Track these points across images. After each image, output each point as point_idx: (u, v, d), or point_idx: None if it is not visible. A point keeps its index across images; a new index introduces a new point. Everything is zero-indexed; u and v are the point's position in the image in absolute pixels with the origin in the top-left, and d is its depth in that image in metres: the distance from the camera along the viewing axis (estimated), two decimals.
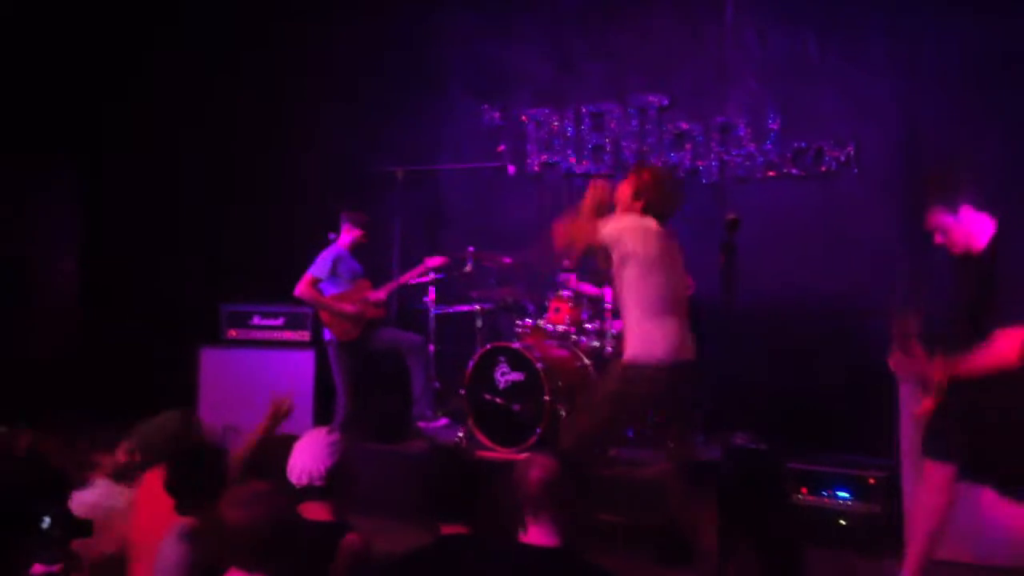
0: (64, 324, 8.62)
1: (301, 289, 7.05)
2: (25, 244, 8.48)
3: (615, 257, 4.70)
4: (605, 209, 4.83)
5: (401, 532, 3.60)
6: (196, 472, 3.65)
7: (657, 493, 5.00)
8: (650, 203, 4.83)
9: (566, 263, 7.00)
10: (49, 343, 8.48)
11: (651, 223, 4.78)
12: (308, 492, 3.63)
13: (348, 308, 7.08)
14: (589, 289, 7.00)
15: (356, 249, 7.30)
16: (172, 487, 3.62)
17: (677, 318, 4.79)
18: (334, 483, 3.65)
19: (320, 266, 7.12)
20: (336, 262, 7.14)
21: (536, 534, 3.15)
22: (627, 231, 4.72)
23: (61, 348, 8.49)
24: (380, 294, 7.16)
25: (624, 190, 4.89)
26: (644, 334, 4.69)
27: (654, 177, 4.91)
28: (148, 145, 8.86)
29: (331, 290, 7.13)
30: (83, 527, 3.19)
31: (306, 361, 7.71)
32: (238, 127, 8.86)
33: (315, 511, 3.62)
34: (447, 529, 3.41)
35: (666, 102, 7.76)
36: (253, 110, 8.88)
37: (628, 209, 4.85)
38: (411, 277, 7.15)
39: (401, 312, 7.68)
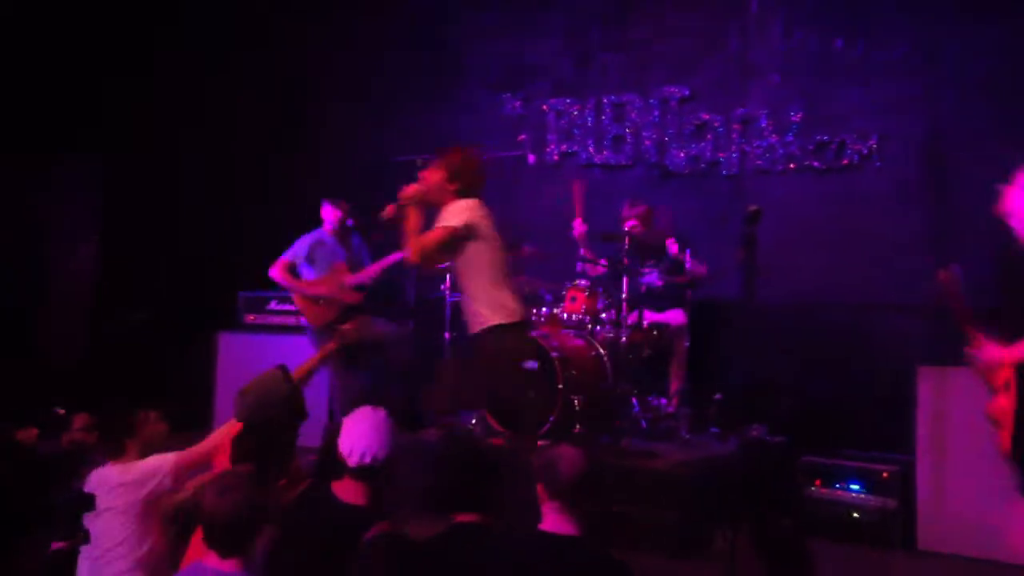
0: (81, 312, 8.68)
1: (274, 271, 6.98)
2: (42, 236, 8.53)
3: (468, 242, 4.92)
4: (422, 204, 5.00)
5: (416, 520, 3.56)
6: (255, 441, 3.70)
7: (670, 484, 5.01)
8: (466, 184, 5.01)
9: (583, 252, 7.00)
10: (68, 331, 8.53)
11: (477, 202, 4.97)
12: (359, 472, 3.56)
13: (320, 291, 6.98)
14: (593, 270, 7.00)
15: (345, 235, 7.17)
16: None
17: (513, 284, 5.11)
18: (382, 467, 3.59)
19: (295, 250, 7.05)
20: (314, 247, 7.06)
21: (554, 522, 3.17)
22: (475, 215, 4.92)
23: (80, 335, 8.55)
24: (354, 279, 7.07)
25: (435, 175, 5.02)
26: (498, 301, 4.97)
27: (465, 157, 5.07)
28: (166, 139, 8.85)
29: (309, 275, 7.07)
30: (88, 501, 3.24)
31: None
32: (258, 120, 8.88)
33: (351, 492, 3.57)
34: (461, 518, 3.37)
35: (687, 93, 7.74)
36: (276, 104, 8.90)
37: (443, 192, 4.99)
38: (383, 265, 6.98)
39: (418, 300, 7.68)
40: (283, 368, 4.28)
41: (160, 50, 8.91)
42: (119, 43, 8.65)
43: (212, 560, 3.08)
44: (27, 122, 8.04)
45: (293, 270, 7.03)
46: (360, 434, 3.59)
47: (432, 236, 4.88)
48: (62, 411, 4.45)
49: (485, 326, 4.97)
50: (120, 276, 8.46)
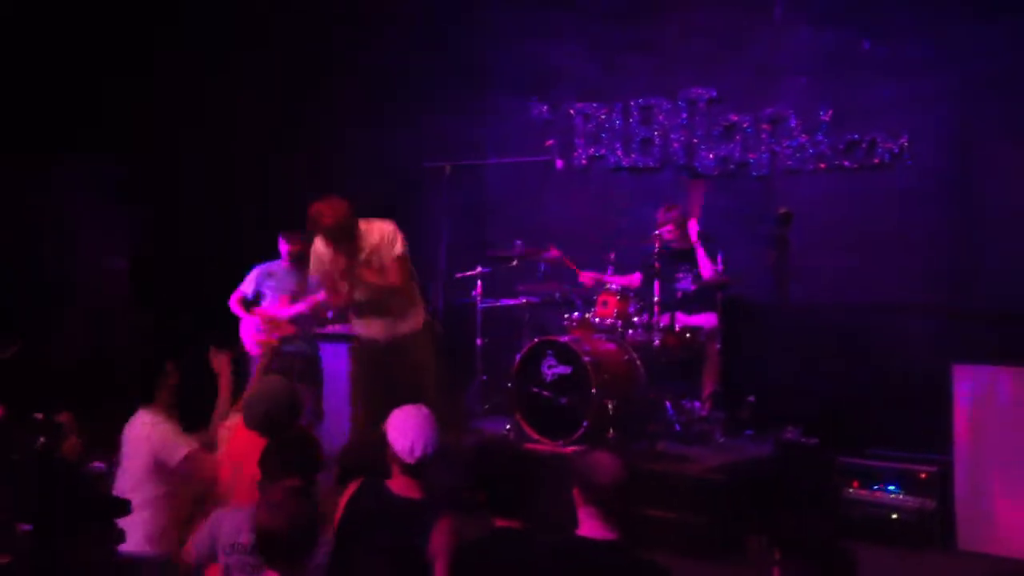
0: (114, 321, 8.74)
1: (231, 303, 7.21)
2: (74, 243, 8.61)
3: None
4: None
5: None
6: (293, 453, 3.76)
7: (704, 488, 5.00)
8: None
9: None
10: (99, 339, 8.61)
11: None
12: (415, 468, 3.68)
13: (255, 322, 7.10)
14: (622, 280, 7.00)
15: (301, 267, 6.92)
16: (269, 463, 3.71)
17: None
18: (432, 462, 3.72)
19: (245, 281, 7.25)
20: (263, 278, 7.21)
21: (590, 528, 3.17)
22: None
23: (111, 344, 8.62)
24: (270, 312, 7.07)
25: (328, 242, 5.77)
26: (421, 305, 6.12)
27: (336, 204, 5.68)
28: (197, 144, 8.89)
29: (265, 304, 7.18)
30: (123, 506, 3.30)
31: (342, 352, 7.71)
32: (289, 123, 8.91)
33: (405, 487, 3.69)
34: (501, 522, 3.42)
35: (714, 94, 7.71)
36: (300, 110, 8.93)
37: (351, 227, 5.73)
38: (304, 308, 6.80)
39: (447, 307, 7.69)
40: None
41: (165, 51, 8.89)
42: (139, 47, 8.73)
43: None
44: (29, 122, 8.14)
45: (243, 302, 7.20)
46: (413, 431, 3.70)
47: (402, 265, 5.75)
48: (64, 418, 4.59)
49: (423, 324, 5.99)
50: (151, 282, 8.53)
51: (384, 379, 5.89)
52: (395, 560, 3.49)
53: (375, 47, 8.78)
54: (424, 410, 3.82)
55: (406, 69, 8.68)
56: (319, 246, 5.90)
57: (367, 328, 6.03)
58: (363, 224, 5.79)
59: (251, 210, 8.77)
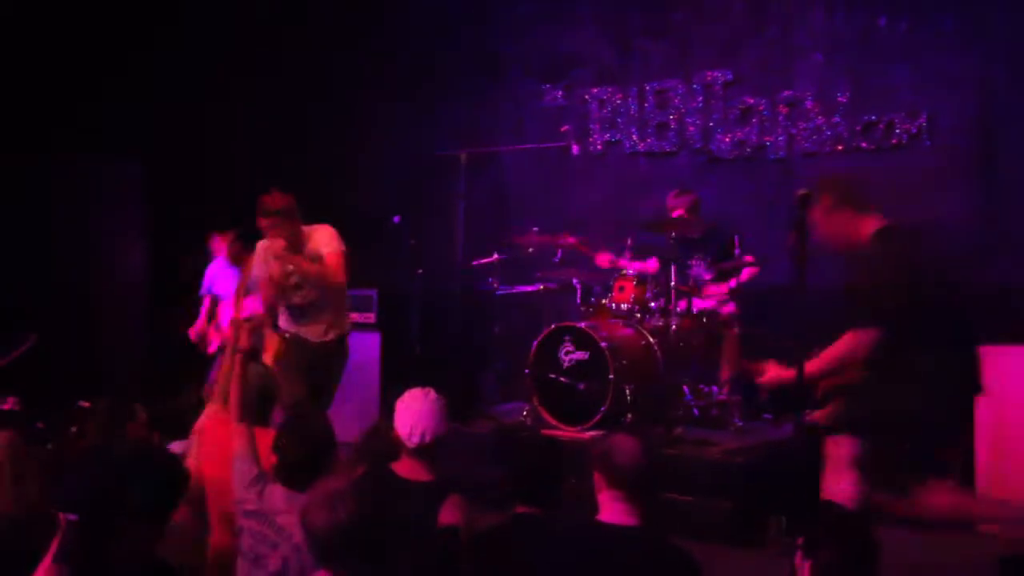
0: (132, 315, 8.79)
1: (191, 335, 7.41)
2: (94, 237, 8.65)
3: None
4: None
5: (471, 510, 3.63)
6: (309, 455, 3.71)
7: (724, 472, 4.98)
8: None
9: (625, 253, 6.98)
10: (118, 333, 8.66)
11: None
12: (419, 451, 3.71)
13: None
14: (638, 266, 6.96)
15: (242, 262, 7.04)
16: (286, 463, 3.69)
17: None
18: (439, 443, 3.74)
19: (203, 285, 7.53)
20: (212, 279, 7.48)
21: (612, 512, 3.16)
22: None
23: (130, 338, 8.67)
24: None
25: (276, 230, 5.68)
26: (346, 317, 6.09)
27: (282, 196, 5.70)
28: (211, 137, 8.87)
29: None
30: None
31: (372, 342, 7.77)
32: (305, 115, 8.90)
33: (413, 470, 3.71)
34: (521, 509, 3.42)
35: (730, 77, 7.67)
36: (318, 99, 8.92)
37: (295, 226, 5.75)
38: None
39: (465, 293, 7.68)
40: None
41: (165, 51, 8.94)
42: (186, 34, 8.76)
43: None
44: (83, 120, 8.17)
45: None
46: (415, 415, 3.73)
47: (339, 260, 5.76)
48: (86, 403, 4.60)
49: (344, 330, 5.98)
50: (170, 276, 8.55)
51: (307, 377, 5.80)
52: (408, 543, 3.47)
53: (389, 35, 8.77)
54: (431, 394, 3.84)
55: (421, 57, 8.67)
56: (262, 244, 5.85)
57: (300, 329, 5.90)
58: (306, 228, 5.83)
59: (316, 199, 8.59)
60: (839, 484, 3.92)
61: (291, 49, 8.98)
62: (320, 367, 5.85)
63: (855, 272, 4.11)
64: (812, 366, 3.93)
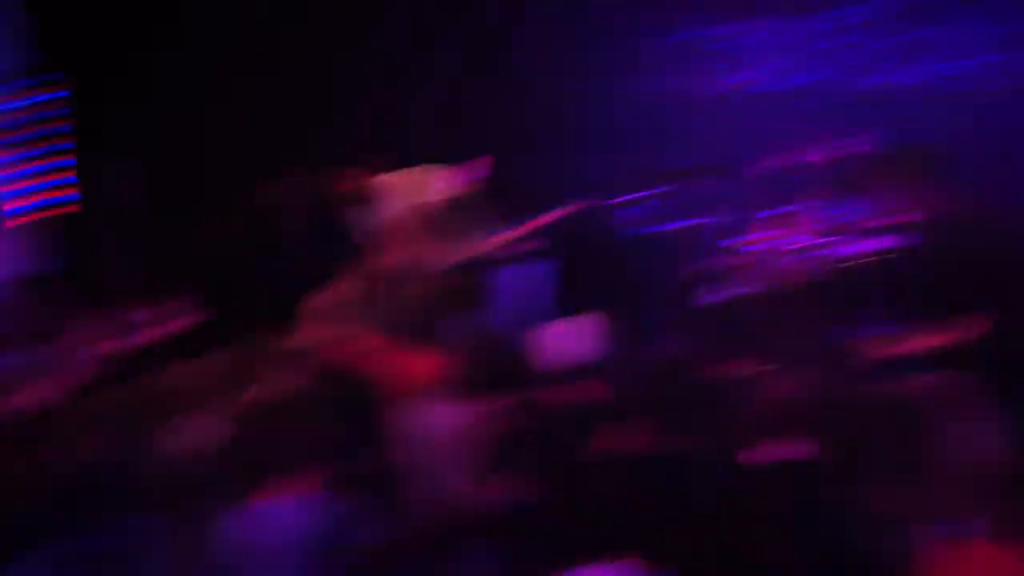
0: None
1: None
2: None
3: None
4: None
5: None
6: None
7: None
8: None
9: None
10: None
11: None
12: (571, 377, 3.81)
13: None
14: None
15: None
16: None
17: None
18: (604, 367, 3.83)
19: None
20: None
21: (768, 451, 3.15)
22: None
23: None
24: None
25: None
26: None
27: None
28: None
29: None
30: None
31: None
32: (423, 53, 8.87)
33: (572, 393, 3.75)
34: (671, 440, 3.41)
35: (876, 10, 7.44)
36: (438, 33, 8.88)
37: None
38: None
39: (607, 232, 7.66)
40: None
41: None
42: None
43: None
44: None
45: None
46: (575, 340, 3.91)
47: None
48: None
49: None
50: None
51: None
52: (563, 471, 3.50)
53: None
54: (589, 319, 3.94)
55: None
56: None
57: None
58: None
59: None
60: None
61: None
62: None
63: None
64: None
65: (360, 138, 7.78)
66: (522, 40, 8.60)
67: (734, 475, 3.18)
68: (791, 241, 6.66)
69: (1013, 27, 6.90)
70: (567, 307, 6.66)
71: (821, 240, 6.46)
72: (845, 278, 6.49)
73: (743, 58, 7.93)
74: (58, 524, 3.12)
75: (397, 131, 8.27)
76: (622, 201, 7.35)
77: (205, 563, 2.95)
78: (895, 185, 6.48)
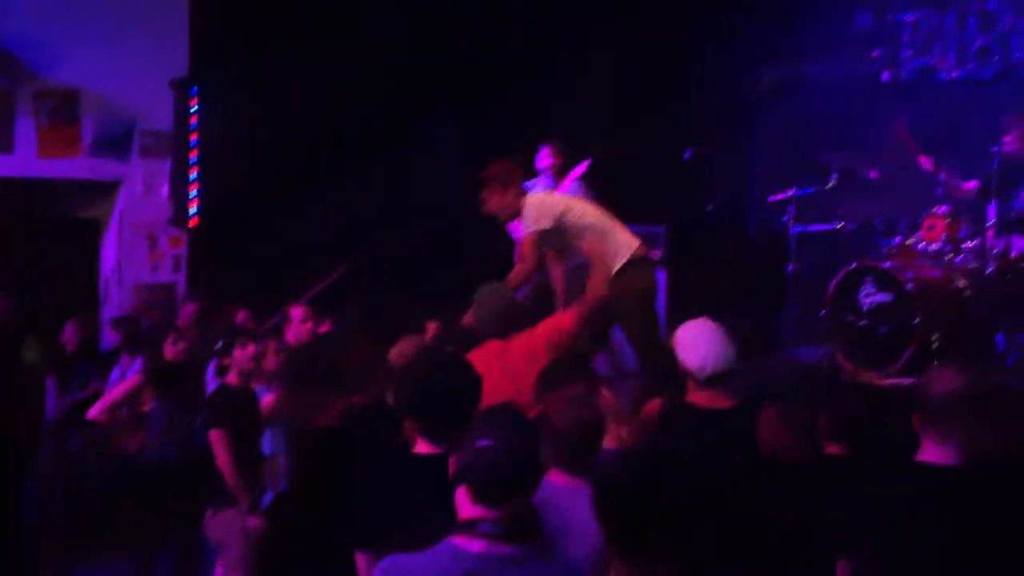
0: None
1: None
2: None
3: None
4: None
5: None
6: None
7: None
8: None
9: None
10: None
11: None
12: (710, 380, 3.70)
13: None
14: (962, 184, 6.38)
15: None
16: None
17: None
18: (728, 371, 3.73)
19: None
20: None
21: (931, 452, 2.96)
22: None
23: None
24: None
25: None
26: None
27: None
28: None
29: None
30: None
31: (659, 279, 7.62)
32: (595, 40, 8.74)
33: (711, 399, 3.71)
34: (831, 449, 3.35)
35: None
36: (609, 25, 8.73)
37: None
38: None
39: (759, 231, 7.43)
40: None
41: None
42: None
43: (558, 478, 3.06)
44: None
45: None
46: (703, 345, 3.73)
47: (523, 251, 5.46)
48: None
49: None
50: None
51: None
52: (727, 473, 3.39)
53: None
54: (711, 323, 3.82)
55: None
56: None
57: None
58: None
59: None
60: None
61: None
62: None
63: None
64: None
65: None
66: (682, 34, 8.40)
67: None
68: (958, 239, 6.27)
69: None
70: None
71: (988, 237, 6.03)
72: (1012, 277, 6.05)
73: (929, 44, 7.48)
74: None
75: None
76: (785, 197, 7.06)
77: None
78: None
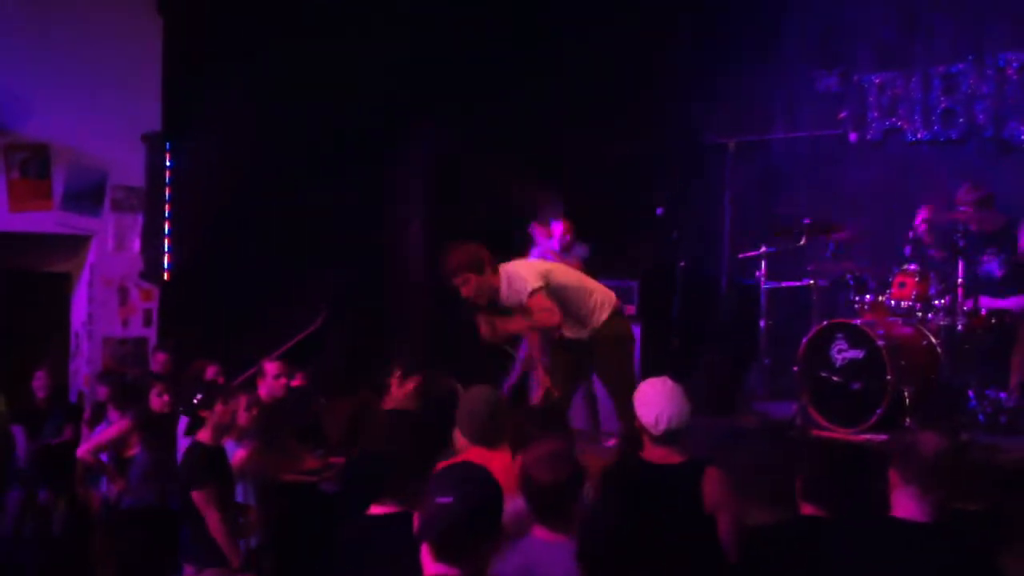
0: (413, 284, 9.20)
1: None
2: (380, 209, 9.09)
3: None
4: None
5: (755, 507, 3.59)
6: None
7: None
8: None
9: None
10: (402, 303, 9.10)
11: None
12: (665, 438, 3.73)
13: None
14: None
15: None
16: None
17: None
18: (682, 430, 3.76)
19: None
20: None
21: (906, 509, 3.01)
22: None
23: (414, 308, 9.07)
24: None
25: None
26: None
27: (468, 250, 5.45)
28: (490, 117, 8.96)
29: None
30: None
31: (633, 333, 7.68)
32: (567, 104, 8.91)
33: (663, 456, 3.73)
34: (808, 510, 3.34)
35: None
36: (581, 87, 8.89)
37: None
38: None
39: (730, 286, 7.49)
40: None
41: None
42: None
43: (541, 533, 3.08)
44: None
45: None
46: (657, 403, 3.76)
47: (541, 304, 5.35)
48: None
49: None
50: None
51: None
52: (672, 526, 3.51)
53: (655, 19, 8.48)
54: (668, 382, 3.86)
55: (688, 43, 8.44)
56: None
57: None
58: (503, 268, 5.57)
59: (577, 187, 8.59)
60: None
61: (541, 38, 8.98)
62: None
63: None
64: None
65: None
66: (654, 95, 8.54)
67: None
68: (928, 297, 6.35)
69: None
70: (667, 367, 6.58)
71: (958, 295, 6.12)
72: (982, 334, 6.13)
73: (895, 105, 7.64)
74: None
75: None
76: (756, 254, 7.14)
77: None
78: None
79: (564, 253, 7.41)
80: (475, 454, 3.80)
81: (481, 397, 4.12)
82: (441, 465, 3.06)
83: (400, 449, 3.13)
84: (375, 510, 3.06)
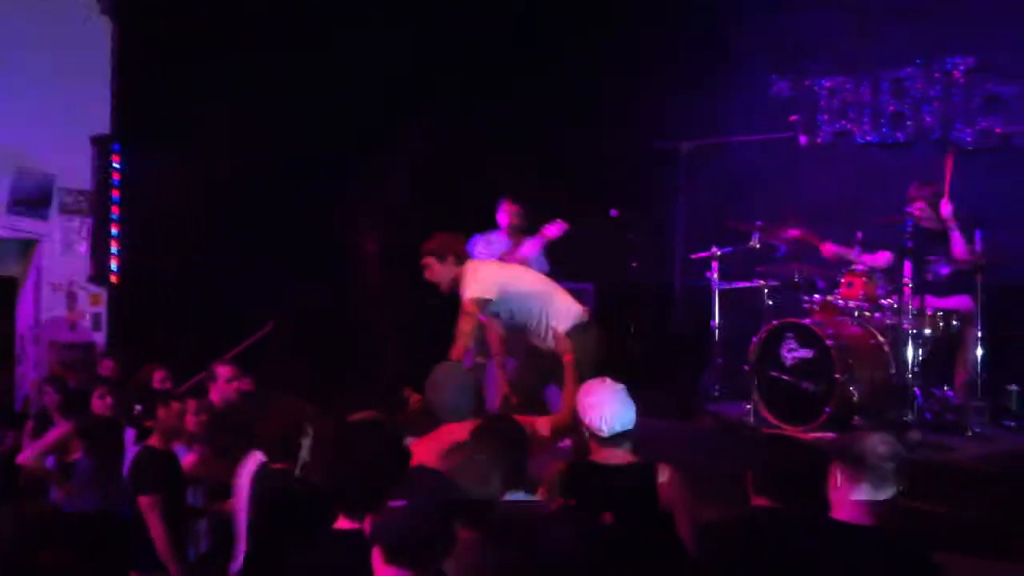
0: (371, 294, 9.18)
1: None
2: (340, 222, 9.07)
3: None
4: None
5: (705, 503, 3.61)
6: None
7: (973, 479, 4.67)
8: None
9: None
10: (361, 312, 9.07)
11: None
12: (614, 439, 3.71)
13: None
14: (868, 259, 6.57)
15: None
16: None
17: None
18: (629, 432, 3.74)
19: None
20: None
21: (848, 511, 3.04)
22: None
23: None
24: None
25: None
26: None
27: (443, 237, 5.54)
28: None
29: None
30: None
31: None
32: (521, 106, 8.90)
33: (618, 456, 3.72)
34: (758, 501, 3.35)
35: (973, 63, 7.18)
36: (535, 88, 8.90)
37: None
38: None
39: (683, 288, 7.53)
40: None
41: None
42: None
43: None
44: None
45: None
46: (601, 405, 3.73)
47: (464, 312, 5.34)
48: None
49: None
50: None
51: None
52: (629, 526, 3.51)
53: (609, 21, 8.57)
54: (610, 382, 3.83)
55: (644, 47, 8.47)
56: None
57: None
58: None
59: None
60: None
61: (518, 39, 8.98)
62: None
63: None
64: None
65: None
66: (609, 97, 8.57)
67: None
68: (875, 297, 6.42)
69: None
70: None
71: (905, 295, 6.20)
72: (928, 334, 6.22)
73: (845, 109, 7.74)
74: None
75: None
76: (707, 255, 7.18)
77: None
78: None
79: (510, 238, 7.08)
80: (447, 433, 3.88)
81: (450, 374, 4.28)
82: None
83: (362, 463, 3.02)
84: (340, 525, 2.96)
